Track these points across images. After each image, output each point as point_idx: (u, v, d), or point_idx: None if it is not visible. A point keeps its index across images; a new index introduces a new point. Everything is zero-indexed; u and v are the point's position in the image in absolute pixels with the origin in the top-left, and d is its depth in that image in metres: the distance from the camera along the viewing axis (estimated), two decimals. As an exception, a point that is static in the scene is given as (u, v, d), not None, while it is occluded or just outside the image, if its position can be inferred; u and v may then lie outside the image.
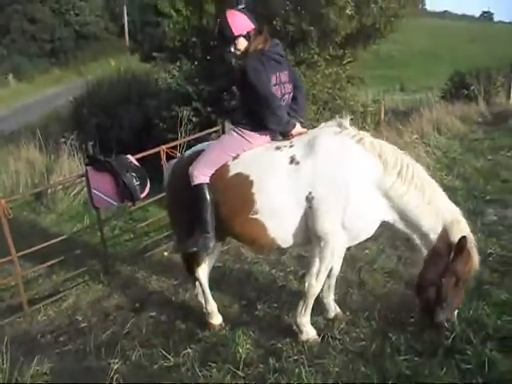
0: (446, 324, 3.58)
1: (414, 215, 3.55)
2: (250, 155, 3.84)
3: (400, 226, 3.66)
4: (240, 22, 3.77)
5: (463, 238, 3.37)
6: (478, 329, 3.55)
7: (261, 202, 3.70)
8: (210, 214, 3.83)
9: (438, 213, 3.51)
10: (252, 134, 3.84)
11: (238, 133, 3.86)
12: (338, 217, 3.54)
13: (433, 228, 3.52)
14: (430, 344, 3.55)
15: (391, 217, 3.63)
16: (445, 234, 3.49)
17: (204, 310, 4.43)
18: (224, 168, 3.85)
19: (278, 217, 3.69)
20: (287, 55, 10.11)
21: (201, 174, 3.81)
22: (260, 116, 3.75)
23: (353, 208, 3.52)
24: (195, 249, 3.97)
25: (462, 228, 3.49)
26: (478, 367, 3.21)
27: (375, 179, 3.55)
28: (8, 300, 6.05)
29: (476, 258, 3.51)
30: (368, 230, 3.73)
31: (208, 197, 3.80)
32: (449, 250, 3.46)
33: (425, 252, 3.60)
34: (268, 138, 3.91)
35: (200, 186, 3.81)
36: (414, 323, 3.85)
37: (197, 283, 4.48)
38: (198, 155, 3.96)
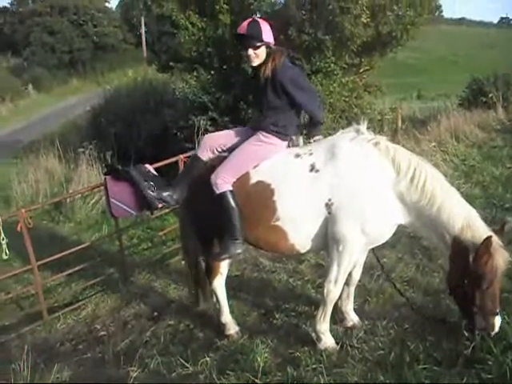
0: (490, 331, 3.44)
1: (427, 220, 3.54)
2: (270, 163, 3.86)
3: (415, 229, 3.70)
4: (270, 32, 3.82)
5: (486, 239, 3.29)
6: (498, 338, 3.49)
7: (282, 210, 3.72)
8: (238, 220, 3.82)
9: (449, 217, 3.46)
10: (276, 140, 3.88)
11: (265, 138, 3.87)
12: (356, 222, 3.55)
13: (447, 231, 3.49)
14: (449, 353, 3.51)
15: (408, 220, 3.64)
16: (458, 237, 3.45)
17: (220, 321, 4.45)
18: (245, 176, 3.87)
19: (298, 224, 3.72)
20: (303, 64, 10.18)
21: (224, 183, 3.82)
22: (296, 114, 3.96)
23: (371, 213, 3.54)
24: (227, 256, 3.96)
25: (474, 232, 3.41)
26: (499, 377, 3.17)
27: (391, 184, 3.56)
28: (28, 308, 6.13)
29: (500, 258, 3.37)
30: (385, 234, 3.74)
31: (234, 203, 3.80)
32: (465, 253, 3.41)
33: (447, 254, 3.56)
34: (286, 143, 3.97)
35: (225, 193, 3.81)
36: (433, 332, 3.81)
37: (213, 294, 4.49)
38: (219, 161, 3.95)
